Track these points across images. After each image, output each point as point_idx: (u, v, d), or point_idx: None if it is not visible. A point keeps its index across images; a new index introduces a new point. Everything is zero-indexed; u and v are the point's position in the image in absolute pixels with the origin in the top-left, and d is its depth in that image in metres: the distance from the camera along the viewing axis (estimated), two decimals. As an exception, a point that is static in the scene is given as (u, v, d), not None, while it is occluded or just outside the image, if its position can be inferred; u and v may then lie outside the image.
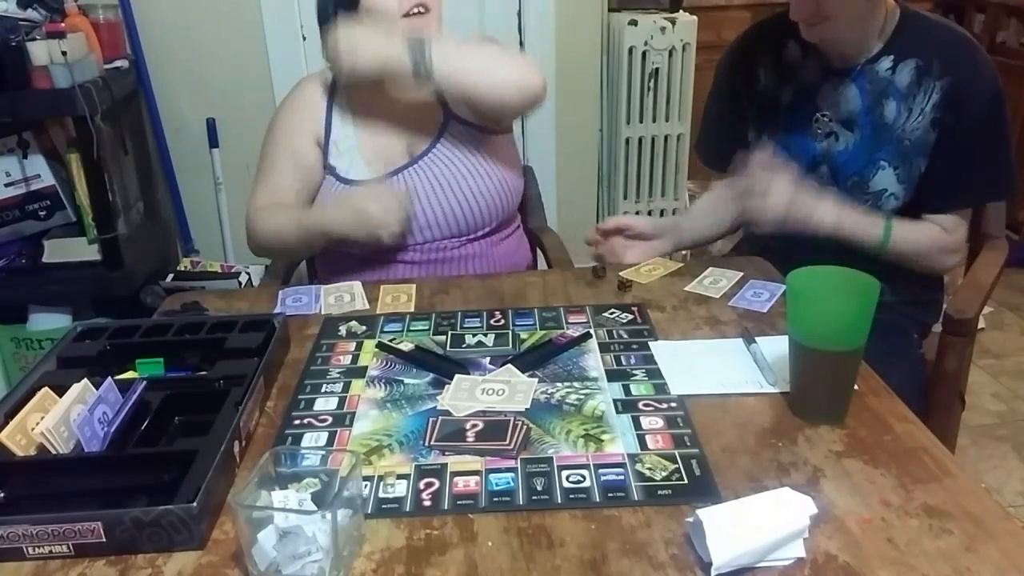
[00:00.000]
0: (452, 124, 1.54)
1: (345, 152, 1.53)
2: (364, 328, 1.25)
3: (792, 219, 1.37)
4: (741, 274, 1.36)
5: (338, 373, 1.13)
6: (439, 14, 1.46)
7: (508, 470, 0.91)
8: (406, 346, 1.19)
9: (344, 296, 1.35)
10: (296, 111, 1.57)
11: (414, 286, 1.38)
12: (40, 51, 1.95)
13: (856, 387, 0.99)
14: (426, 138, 1.53)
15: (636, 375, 1.09)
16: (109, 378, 0.99)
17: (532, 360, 1.13)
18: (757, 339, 1.14)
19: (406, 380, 1.11)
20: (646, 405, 1.02)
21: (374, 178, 1.50)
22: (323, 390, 1.09)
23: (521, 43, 2.63)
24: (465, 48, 1.43)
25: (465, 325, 1.25)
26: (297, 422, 1.02)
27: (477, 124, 1.55)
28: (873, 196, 1.43)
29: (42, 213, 2.24)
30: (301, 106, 1.56)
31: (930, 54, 1.37)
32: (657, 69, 2.67)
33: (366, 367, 1.14)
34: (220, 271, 2.58)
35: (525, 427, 0.98)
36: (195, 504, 0.80)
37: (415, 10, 1.41)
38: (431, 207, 1.50)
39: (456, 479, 0.90)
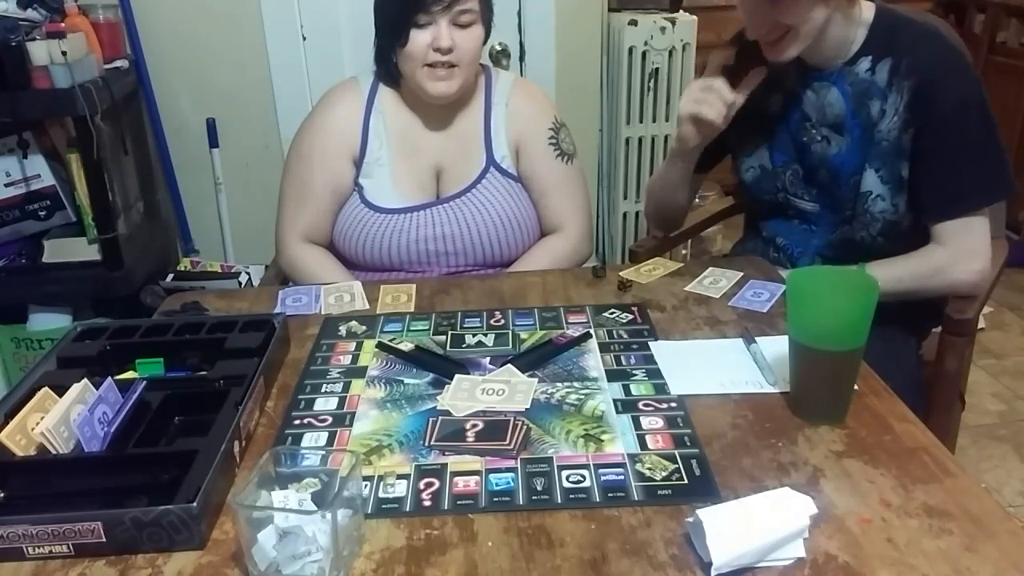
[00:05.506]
0: (492, 172, 1.53)
1: (375, 173, 1.51)
2: (364, 328, 1.25)
3: None
4: (741, 274, 1.36)
5: (338, 373, 1.13)
6: (465, 75, 1.45)
7: (508, 470, 0.91)
8: (406, 346, 1.19)
9: (344, 296, 1.35)
10: (333, 130, 1.52)
11: (414, 286, 1.38)
12: (40, 51, 1.94)
13: (856, 387, 0.99)
14: (463, 180, 1.52)
15: (636, 375, 1.09)
16: (109, 378, 0.99)
17: (532, 360, 1.13)
18: (757, 339, 1.14)
19: (406, 380, 1.10)
20: (646, 405, 1.02)
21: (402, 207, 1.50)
22: (323, 390, 1.09)
23: (521, 43, 2.63)
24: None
25: (465, 325, 1.25)
26: (297, 422, 1.02)
27: (519, 177, 1.55)
28: (862, 197, 1.40)
29: (42, 213, 2.23)
30: (338, 124, 1.52)
31: (901, 52, 1.33)
32: (657, 69, 2.67)
33: (366, 367, 1.14)
34: (220, 271, 2.58)
35: (525, 427, 0.98)
36: (195, 504, 0.80)
37: (442, 63, 1.41)
38: (454, 246, 1.51)
39: (456, 479, 0.90)
